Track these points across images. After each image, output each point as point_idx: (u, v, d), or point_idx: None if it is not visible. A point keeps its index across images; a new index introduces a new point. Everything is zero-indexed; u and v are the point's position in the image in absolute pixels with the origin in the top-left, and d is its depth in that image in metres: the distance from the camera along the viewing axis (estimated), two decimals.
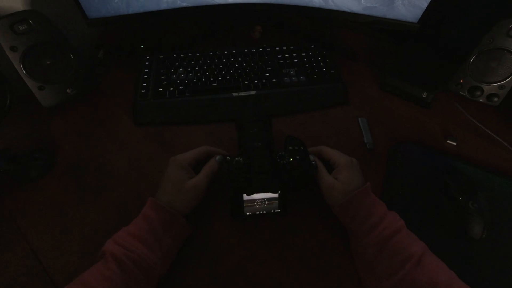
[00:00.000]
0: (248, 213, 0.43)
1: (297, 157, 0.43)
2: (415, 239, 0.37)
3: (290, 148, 0.44)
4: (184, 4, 0.61)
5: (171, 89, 0.57)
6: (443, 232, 0.44)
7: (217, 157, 0.45)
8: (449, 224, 0.44)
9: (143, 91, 0.57)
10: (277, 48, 0.65)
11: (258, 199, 0.42)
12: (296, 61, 0.63)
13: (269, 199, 0.42)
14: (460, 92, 0.59)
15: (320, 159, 0.46)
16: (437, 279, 0.33)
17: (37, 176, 0.48)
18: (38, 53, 0.51)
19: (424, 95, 0.58)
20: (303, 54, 0.64)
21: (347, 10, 0.61)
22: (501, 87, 0.56)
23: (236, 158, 0.43)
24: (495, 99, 0.57)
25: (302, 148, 0.45)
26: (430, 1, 0.55)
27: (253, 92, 0.58)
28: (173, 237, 0.39)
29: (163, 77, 0.59)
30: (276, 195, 0.42)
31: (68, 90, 0.55)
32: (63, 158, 0.51)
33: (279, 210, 0.43)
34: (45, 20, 0.52)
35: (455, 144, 0.54)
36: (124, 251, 0.35)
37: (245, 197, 0.41)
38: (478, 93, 0.58)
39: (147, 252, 0.36)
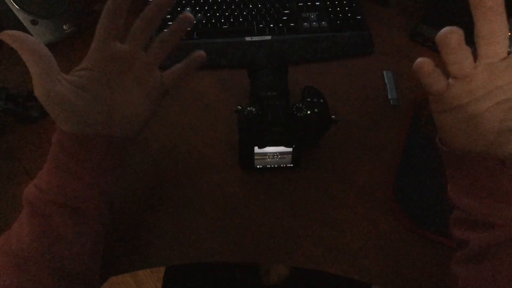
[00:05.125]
0: (258, 166, 0.41)
1: (315, 110, 0.39)
2: None
3: (308, 100, 0.40)
4: None
5: None
6: None
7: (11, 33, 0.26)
8: None
9: None
10: None
11: (270, 153, 0.39)
12: (317, 4, 0.56)
13: (281, 153, 0.39)
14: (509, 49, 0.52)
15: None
16: None
17: (38, 116, 0.46)
18: None
19: None
20: None
21: None
22: None
23: (248, 108, 0.39)
24: None
25: (321, 100, 0.41)
26: None
27: (268, 37, 0.52)
28: (91, 160, 0.29)
29: (169, 16, 0.53)
30: (289, 149, 0.39)
31: (64, 27, 0.50)
32: None
33: (292, 165, 0.41)
34: None
35: None
36: (34, 190, 0.28)
37: (256, 149, 0.39)
38: None
39: (57, 181, 0.28)
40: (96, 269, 0.32)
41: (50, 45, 0.50)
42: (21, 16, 0.47)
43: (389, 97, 0.48)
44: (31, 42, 0.27)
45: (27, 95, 0.45)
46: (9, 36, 0.26)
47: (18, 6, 0.46)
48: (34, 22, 0.48)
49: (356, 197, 0.41)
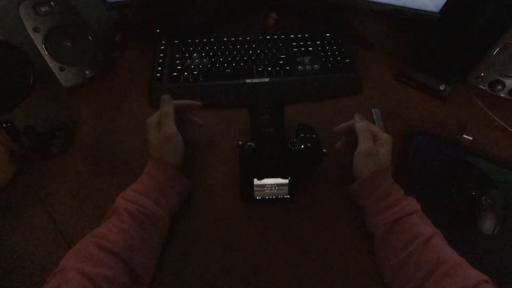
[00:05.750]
0: (258, 197, 0.44)
1: (308, 144, 0.43)
2: (429, 224, 0.38)
3: (302, 135, 0.45)
4: None
5: (186, 73, 0.58)
6: (454, 226, 0.43)
7: (162, 97, 0.46)
8: (460, 218, 0.44)
9: (158, 75, 0.58)
10: (291, 36, 0.64)
11: (268, 184, 0.43)
12: (310, 49, 0.63)
13: (278, 185, 0.43)
14: (480, 86, 0.57)
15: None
16: (444, 258, 0.33)
17: (58, 152, 0.50)
18: (59, 35, 0.53)
19: (442, 87, 0.56)
20: (318, 42, 0.64)
21: None
22: None
23: (248, 143, 0.43)
24: None
25: (314, 136, 0.45)
26: None
27: (267, 79, 0.58)
28: (178, 194, 0.43)
29: (178, 61, 0.60)
30: (286, 181, 0.42)
31: (87, 72, 0.56)
32: (82, 137, 0.53)
33: (288, 196, 0.44)
34: (66, 3, 0.53)
35: (471, 138, 0.52)
36: (137, 207, 0.38)
37: (256, 181, 0.42)
38: (499, 87, 0.56)
39: (156, 208, 0.39)
40: (148, 281, 0.38)
41: (73, 88, 0.56)
42: (51, 63, 0.53)
43: None
44: (169, 100, 0.46)
45: (51, 132, 0.49)
46: (162, 98, 0.46)
47: (50, 55, 0.53)
48: (61, 69, 0.54)
49: (351, 227, 0.44)
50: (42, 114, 0.55)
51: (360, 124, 0.44)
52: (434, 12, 0.57)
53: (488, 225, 0.42)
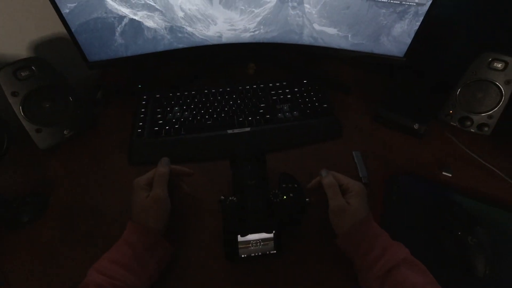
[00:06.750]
0: (243, 255, 0.42)
1: (290, 194, 0.43)
2: (421, 271, 0.37)
3: (283, 185, 0.44)
4: (180, 46, 0.64)
5: (167, 127, 0.58)
6: (445, 269, 0.42)
7: (163, 158, 0.46)
8: (451, 260, 0.43)
9: (139, 130, 0.58)
10: (270, 85, 0.67)
11: (253, 240, 0.41)
12: (289, 97, 0.65)
13: (264, 240, 0.41)
14: (451, 123, 0.60)
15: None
16: None
17: (28, 221, 0.47)
18: (38, 97, 0.53)
19: (416, 126, 0.59)
20: (296, 89, 0.66)
21: (336, 46, 0.64)
22: (490, 117, 0.57)
23: (230, 198, 0.43)
24: (486, 128, 0.58)
25: (296, 185, 0.45)
26: (413, 37, 0.58)
27: (248, 129, 0.59)
28: (157, 261, 0.40)
29: (159, 116, 0.61)
30: (271, 235, 0.41)
31: (65, 132, 0.56)
32: (57, 202, 0.50)
33: (275, 252, 0.42)
34: (47, 66, 0.54)
35: (450, 175, 0.53)
36: (110, 281, 0.35)
37: (240, 238, 0.41)
38: (468, 123, 0.59)
39: (133, 279, 0.36)
40: None
41: (50, 149, 0.55)
42: (28, 126, 0.52)
43: (360, 175, 0.53)
44: (168, 163, 0.46)
45: (22, 199, 0.47)
46: (163, 160, 0.46)
47: (26, 118, 0.52)
48: (38, 131, 0.53)
49: (343, 281, 0.42)
50: (15, 179, 0.53)
51: (325, 180, 0.44)
52: (400, 57, 0.62)
53: (478, 266, 0.41)
